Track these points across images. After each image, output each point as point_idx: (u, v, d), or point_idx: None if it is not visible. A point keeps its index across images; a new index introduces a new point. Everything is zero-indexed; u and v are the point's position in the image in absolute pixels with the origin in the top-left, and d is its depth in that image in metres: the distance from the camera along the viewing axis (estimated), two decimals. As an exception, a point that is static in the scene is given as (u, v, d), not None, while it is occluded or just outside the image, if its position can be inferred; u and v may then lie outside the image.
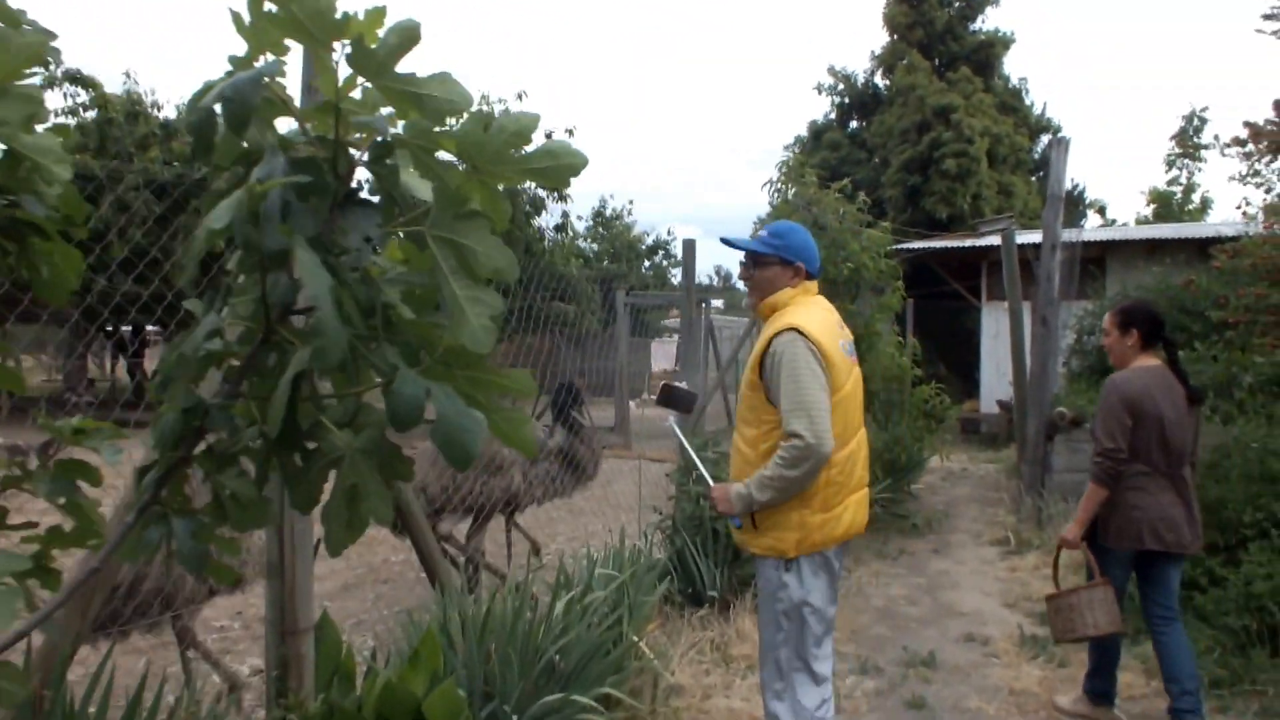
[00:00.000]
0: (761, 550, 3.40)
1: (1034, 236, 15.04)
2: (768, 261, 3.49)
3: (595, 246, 28.77)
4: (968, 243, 16.90)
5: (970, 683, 5.29)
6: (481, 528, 6.56)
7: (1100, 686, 4.80)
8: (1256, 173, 8.23)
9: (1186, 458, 4.50)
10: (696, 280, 7.14)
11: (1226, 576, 5.41)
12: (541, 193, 17.77)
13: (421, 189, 1.74)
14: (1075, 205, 30.15)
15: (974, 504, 10.61)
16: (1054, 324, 9.02)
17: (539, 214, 18.18)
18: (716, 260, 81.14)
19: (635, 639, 4.86)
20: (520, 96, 17.36)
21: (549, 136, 17.39)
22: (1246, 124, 7.58)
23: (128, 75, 17.53)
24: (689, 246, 6.93)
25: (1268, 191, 9.21)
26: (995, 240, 15.52)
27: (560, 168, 1.70)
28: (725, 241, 3.59)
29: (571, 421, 6.83)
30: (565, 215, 18.40)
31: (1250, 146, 7.69)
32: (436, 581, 4.57)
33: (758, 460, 3.35)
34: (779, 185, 9.40)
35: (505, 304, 1.68)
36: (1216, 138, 7.87)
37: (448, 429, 1.49)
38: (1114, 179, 66.22)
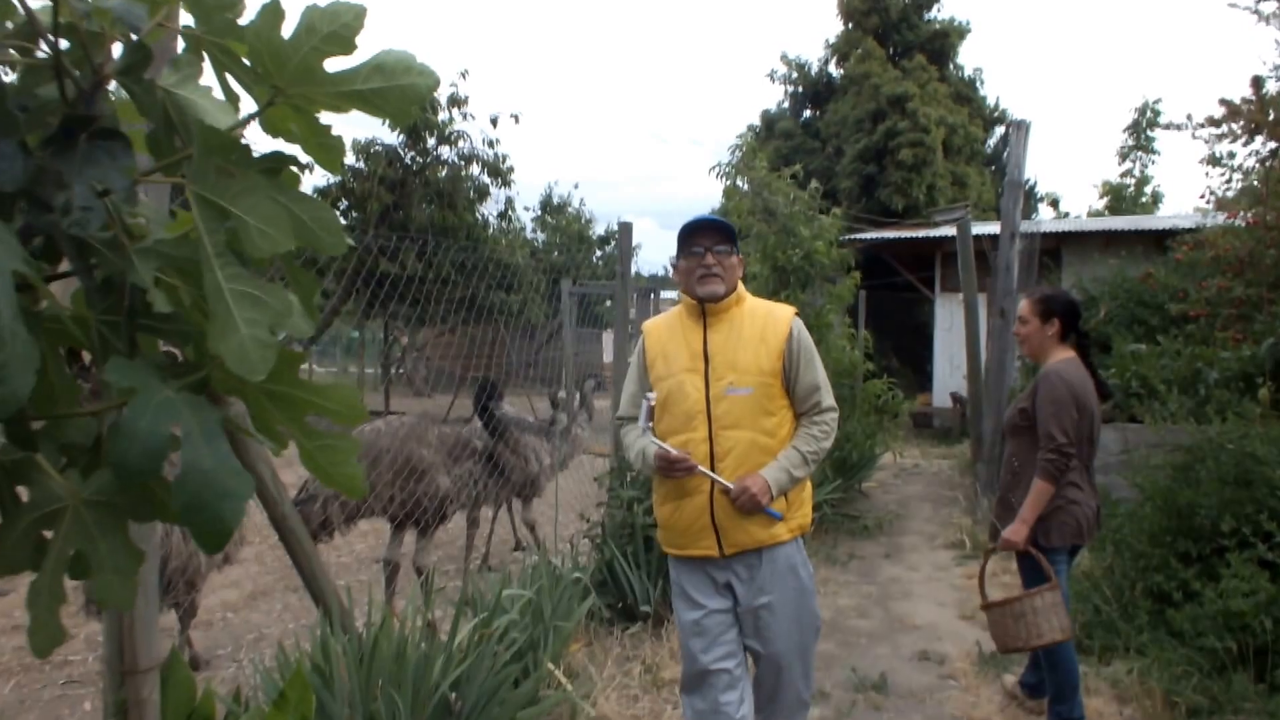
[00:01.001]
0: (792, 532, 3.34)
1: (989, 227, 14.75)
2: (732, 252, 3.38)
3: (543, 236, 28.11)
4: (922, 233, 16.56)
5: (925, 710, 4.78)
6: (427, 537, 5.96)
7: (1067, 713, 4.34)
8: (1232, 154, 7.81)
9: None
10: (651, 272, 6.65)
11: (1202, 591, 4.96)
12: (486, 179, 17.15)
13: (222, 115, 1.18)
14: (1028, 198, 29.98)
15: (927, 503, 10.17)
16: (1012, 316, 8.54)
17: (482, 201, 17.58)
18: (672, 251, 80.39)
19: (551, 667, 4.32)
20: (463, 74, 16.57)
21: (494, 123, 16.84)
22: (1222, 102, 7.16)
23: None
24: (625, 229, 6.38)
25: (1228, 182, 8.83)
26: (950, 231, 15.24)
27: (396, 91, 1.12)
28: (718, 222, 3.40)
29: (493, 421, 6.17)
30: (509, 201, 17.71)
31: (1225, 127, 7.27)
32: (320, 604, 3.98)
33: (778, 447, 3.29)
34: (728, 169, 8.87)
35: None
36: (1189, 117, 7.38)
37: (194, 488, 0.97)
38: (1067, 172, 66.48)
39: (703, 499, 3.26)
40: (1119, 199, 25.95)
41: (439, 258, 11.81)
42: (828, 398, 3.37)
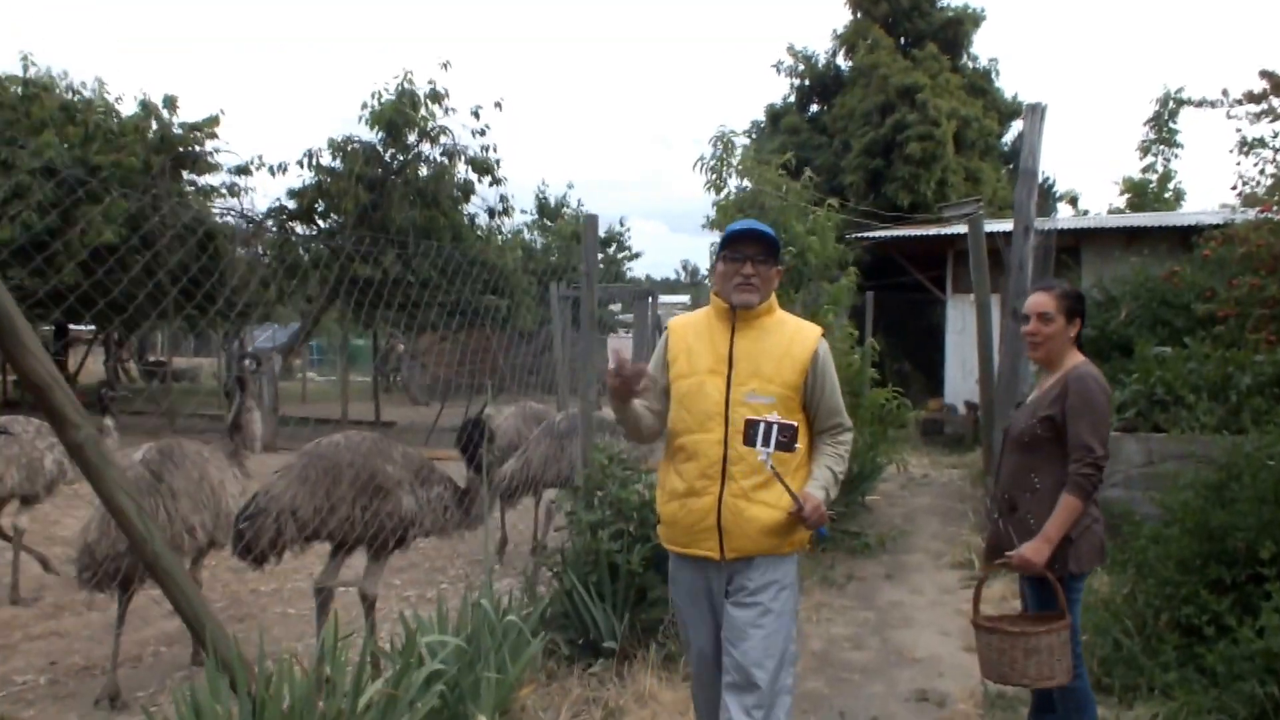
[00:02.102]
0: (794, 547, 3.36)
1: (1003, 225, 14.11)
2: (773, 264, 3.40)
3: (539, 239, 27.54)
4: (932, 231, 15.93)
5: (921, 766, 4.19)
6: (379, 562, 5.33)
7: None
8: (1276, 134, 7.15)
9: None
10: (664, 276, 6.06)
11: (1238, 626, 4.34)
12: (472, 176, 16.65)
13: None
14: (1046, 197, 29.21)
15: (935, 517, 9.55)
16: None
17: (467, 200, 17.08)
18: (684, 255, 79.99)
19: (485, 721, 3.73)
20: (445, 66, 16.01)
21: (476, 115, 16.33)
22: (1263, 74, 6.51)
23: (25, 58, 16.14)
24: (590, 223, 5.80)
25: (1261, 171, 8.19)
26: (962, 228, 14.61)
27: None
28: (764, 234, 3.38)
29: (480, 463, 5.56)
30: (503, 199, 17.13)
31: (1266, 103, 6.62)
32: (208, 654, 3.40)
33: (791, 459, 3.27)
34: (712, 163, 8.26)
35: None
36: (1225, 93, 6.76)
37: None
38: (1086, 169, 65.25)
39: (710, 499, 3.24)
40: (1140, 196, 25.21)
41: (417, 260, 11.31)
42: (847, 419, 3.46)
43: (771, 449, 3.18)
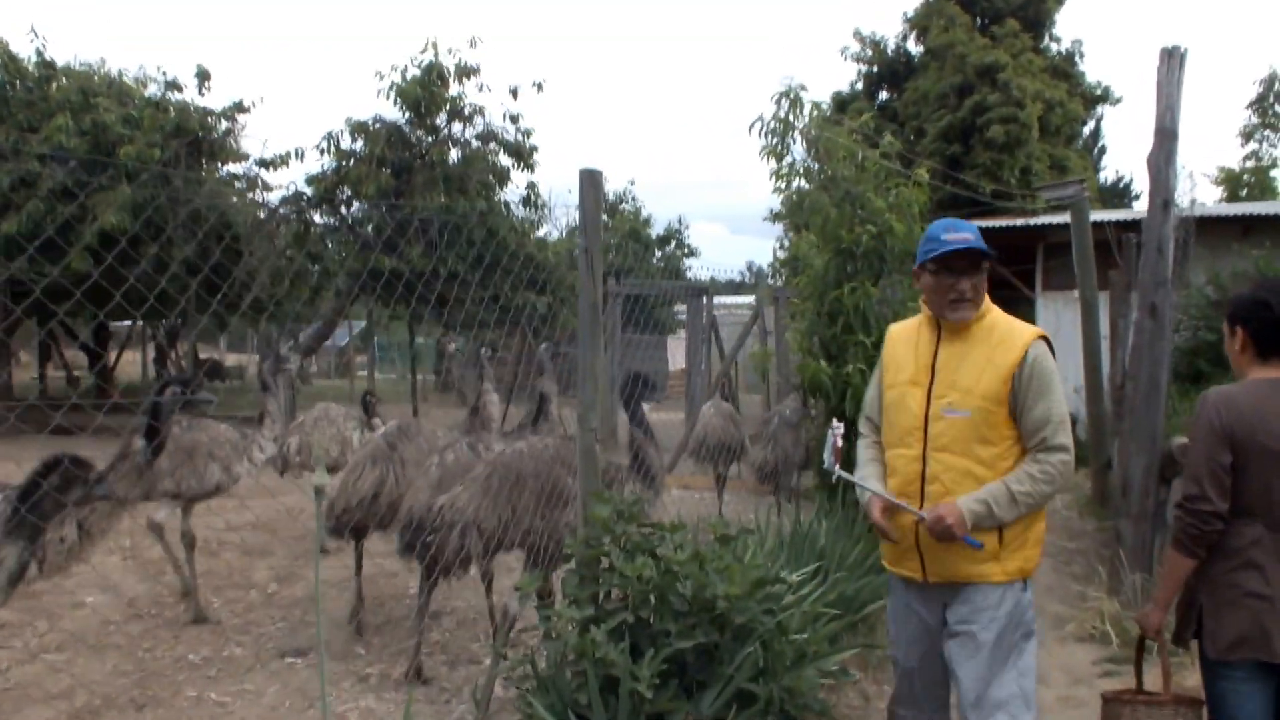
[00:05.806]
0: (1009, 575, 3.12)
1: (1108, 214, 12.50)
2: (985, 271, 3.21)
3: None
4: (1020, 221, 14.34)
5: None
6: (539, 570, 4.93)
7: None
8: None
9: None
10: (729, 277, 4.84)
11: None
12: (505, 161, 15.54)
13: None
14: (1124, 195, 27.52)
15: (1045, 561, 7.85)
16: (1164, 312, 6.26)
17: (502, 186, 15.98)
18: (745, 256, 78.91)
19: None
20: (473, 43, 14.89)
21: (514, 94, 15.15)
22: None
23: (35, 33, 15.19)
24: (588, 180, 4.29)
25: None
26: (1055, 218, 13.11)
27: None
28: (973, 246, 3.12)
29: (643, 421, 5.52)
30: (531, 186, 16.11)
31: None
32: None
33: (995, 480, 3.10)
34: (773, 125, 6.76)
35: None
36: None
37: None
38: (1179, 163, 62.02)
39: (910, 518, 3.15)
40: (1237, 187, 23.28)
41: (442, 249, 10.18)
42: (1058, 435, 3.10)
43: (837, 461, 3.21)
